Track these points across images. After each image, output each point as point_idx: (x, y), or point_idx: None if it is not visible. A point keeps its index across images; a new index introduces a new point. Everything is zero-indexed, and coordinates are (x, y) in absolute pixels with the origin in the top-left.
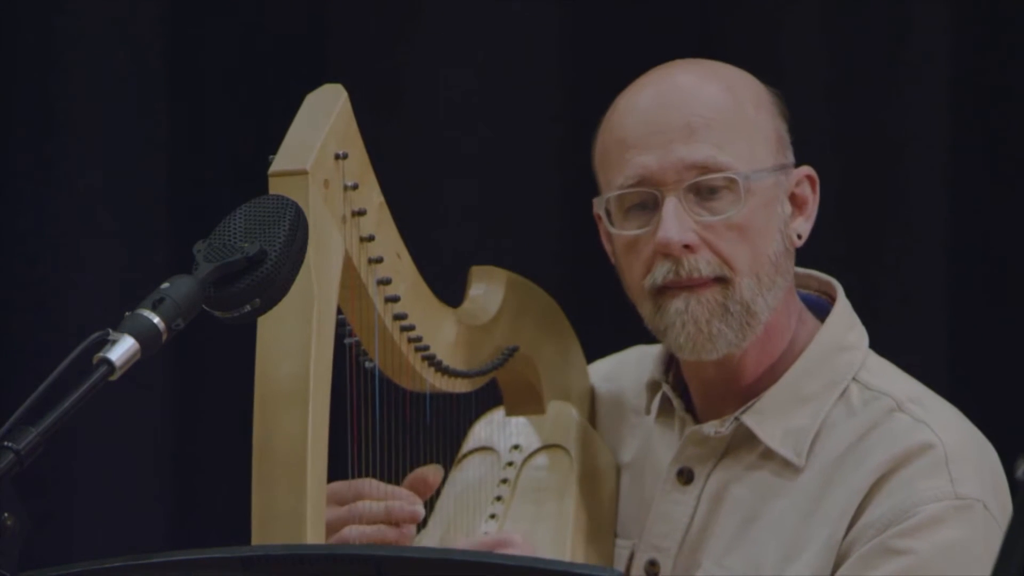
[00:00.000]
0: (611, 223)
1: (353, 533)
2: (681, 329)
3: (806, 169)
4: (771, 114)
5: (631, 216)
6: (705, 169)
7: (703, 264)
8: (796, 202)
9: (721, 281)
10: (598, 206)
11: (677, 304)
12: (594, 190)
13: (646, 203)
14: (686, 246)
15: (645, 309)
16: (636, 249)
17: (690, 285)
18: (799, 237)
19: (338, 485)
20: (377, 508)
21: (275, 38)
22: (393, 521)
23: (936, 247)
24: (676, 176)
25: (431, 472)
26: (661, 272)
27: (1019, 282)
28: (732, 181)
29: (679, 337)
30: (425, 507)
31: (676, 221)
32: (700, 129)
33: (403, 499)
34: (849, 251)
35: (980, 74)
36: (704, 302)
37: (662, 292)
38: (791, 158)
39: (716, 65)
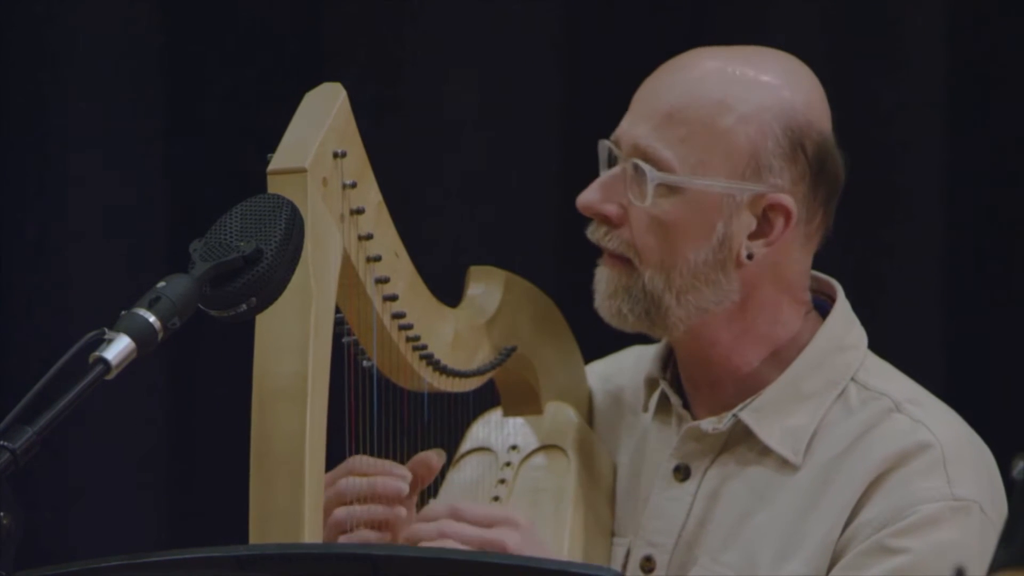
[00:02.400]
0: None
1: (341, 514)
2: (596, 294)
3: (785, 200)
4: (763, 133)
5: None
6: (643, 155)
7: (613, 239)
8: (763, 224)
9: (627, 262)
10: (601, 146)
11: (597, 271)
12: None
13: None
14: (605, 217)
15: None
16: None
17: (605, 254)
18: (750, 257)
19: (354, 481)
20: (362, 484)
21: (274, 36)
22: (379, 498)
23: (934, 246)
24: (626, 149)
25: (434, 456)
26: (589, 227)
27: (1017, 281)
28: (643, 174)
29: (595, 300)
30: (424, 503)
31: (599, 188)
32: (665, 118)
33: (391, 474)
34: (846, 250)
35: (978, 68)
36: (611, 278)
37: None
38: (773, 181)
39: (763, 69)
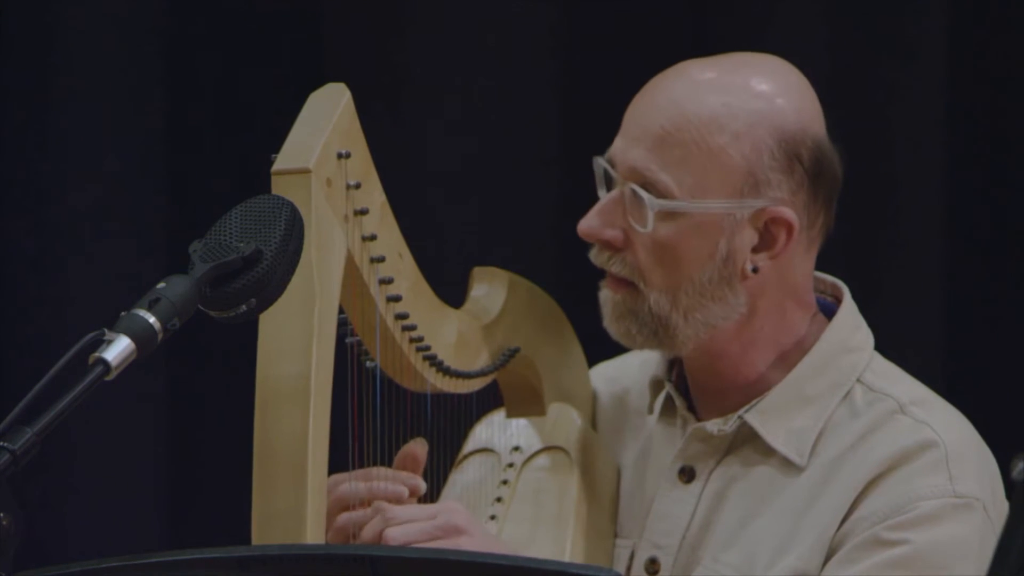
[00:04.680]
0: (607, 184)
1: (344, 519)
2: (604, 315)
3: (785, 213)
4: (758, 149)
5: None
6: (641, 181)
7: (616, 263)
8: (766, 237)
9: (632, 285)
10: (596, 164)
11: (601, 294)
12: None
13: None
14: (607, 242)
15: None
16: None
17: (607, 276)
18: (755, 271)
19: (356, 486)
20: (363, 489)
21: (274, 37)
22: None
23: (933, 247)
24: (623, 172)
25: (417, 447)
26: (592, 251)
27: (1017, 281)
28: (642, 200)
29: (604, 320)
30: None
31: (598, 215)
32: (658, 140)
33: (393, 479)
34: (845, 251)
35: (979, 74)
36: (616, 301)
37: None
38: (772, 194)
39: (756, 79)
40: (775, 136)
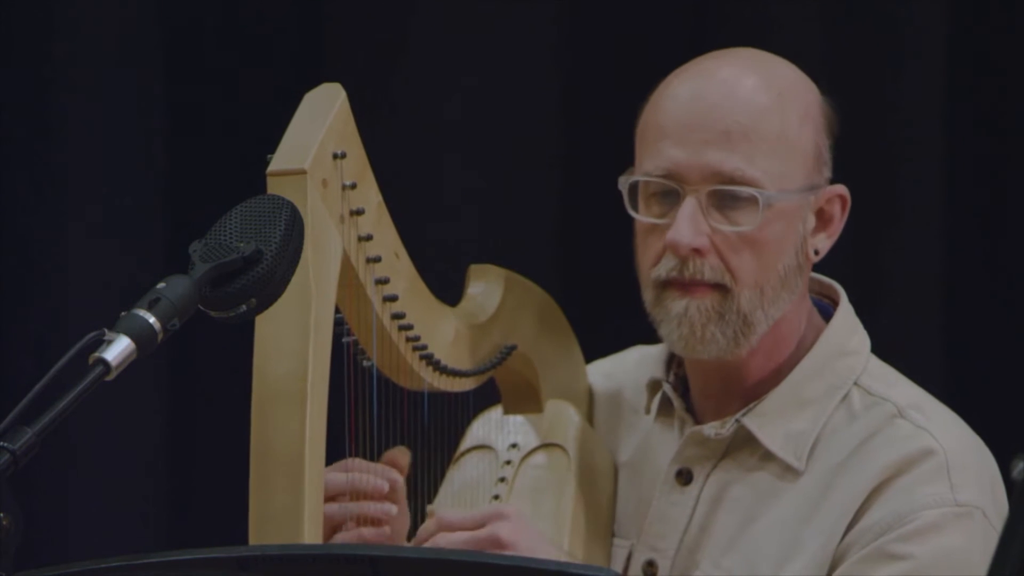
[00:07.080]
0: (633, 205)
1: (330, 510)
2: (676, 328)
3: (839, 188)
4: (816, 129)
5: (653, 203)
6: (731, 180)
7: (707, 269)
8: (822, 218)
9: (721, 288)
10: (622, 184)
11: (678, 307)
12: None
13: (669, 193)
14: (695, 250)
15: (647, 296)
16: (651, 237)
17: (691, 286)
18: (816, 253)
19: (335, 476)
20: (342, 480)
21: (274, 37)
22: (363, 495)
23: (933, 248)
24: (701, 178)
25: (398, 454)
26: (666, 267)
27: (1017, 281)
28: (753, 198)
29: (673, 334)
30: (421, 505)
31: (690, 224)
32: (736, 137)
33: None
34: (846, 253)
35: (978, 75)
36: (702, 308)
37: (665, 286)
38: (827, 174)
39: (776, 64)
40: (823, 111)
